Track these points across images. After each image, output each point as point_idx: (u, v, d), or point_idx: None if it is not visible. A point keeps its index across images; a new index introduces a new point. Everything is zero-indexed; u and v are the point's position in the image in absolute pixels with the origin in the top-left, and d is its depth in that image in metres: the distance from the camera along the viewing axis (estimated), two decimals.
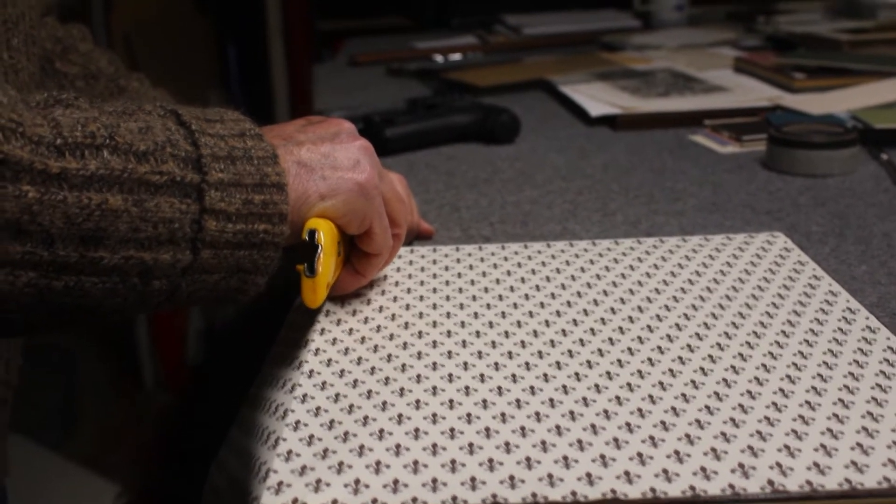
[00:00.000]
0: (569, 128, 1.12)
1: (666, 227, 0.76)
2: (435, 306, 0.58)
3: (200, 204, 0.45)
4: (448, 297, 0.59)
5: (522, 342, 0.52)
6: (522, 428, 0.44)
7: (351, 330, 0.55)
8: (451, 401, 0.46)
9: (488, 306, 0.57)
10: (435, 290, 0.60)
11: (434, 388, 0.48)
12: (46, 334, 0.46)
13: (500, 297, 0.59)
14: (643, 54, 1.50)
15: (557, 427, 0.44)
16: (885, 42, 1.40)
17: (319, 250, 0.50)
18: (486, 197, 0.86)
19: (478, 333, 0.54)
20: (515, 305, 0.57)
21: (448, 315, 0.56)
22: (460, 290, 0.60)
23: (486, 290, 0.60)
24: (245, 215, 0.46)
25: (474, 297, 0.59)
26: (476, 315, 0.56)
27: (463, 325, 0.55)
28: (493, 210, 0.82)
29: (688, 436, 0.43)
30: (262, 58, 2.49)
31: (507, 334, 0.53)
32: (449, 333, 0.54)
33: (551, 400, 0.46)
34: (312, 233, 0.50)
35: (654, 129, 1.09)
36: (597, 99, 1.18)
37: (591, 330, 0.54)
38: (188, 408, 2.29)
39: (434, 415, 0.45)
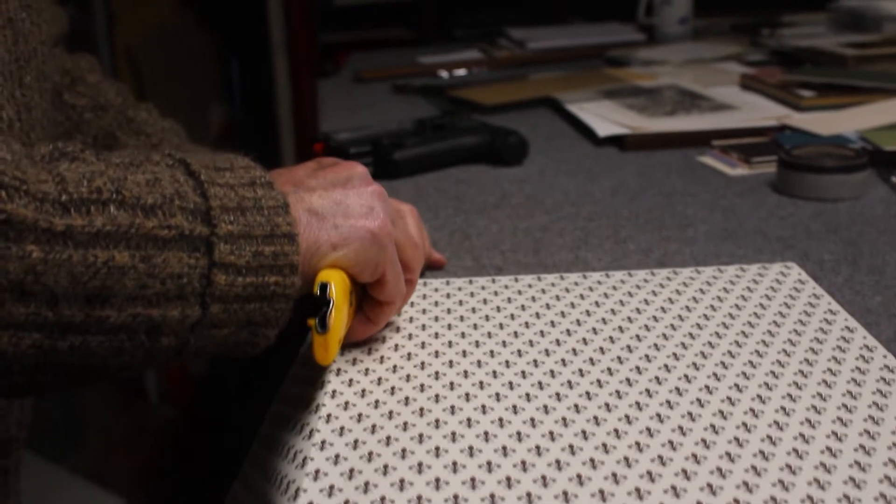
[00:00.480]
0: (576, 148, 1.12)
1: (678, 256, 0.76)
2: (451, 344, 0.58)
3: (210, 258, 0.44)
4: (463, 335, 0.59)
5: (540, 383, 0.52)
6: (543, 477, 0.43)
7: (367, 370, 0.55)
8: (470, 448, 0.46)
9: (504, 344, 0.57)
10: (450, 327, 0.60)
11: (453, 433, 0.47)
12: (52, 394, 0.45)
13: (516, 334, 0.59)
14: (649, 70, 1.50)
15: (579, 476, 0.43)
16: (890, 57, 1.40)
17: (331, 305, 0.49)
18: (496, 223, 0.86)
19: (494, 374, 0.53)
20: (531, 343, 0.57)
21: (464, 354, 0.56)
22: (475, 327, 0.60)
23: (501, 326, 0.60)
24: (255, 268, 0.46)
25: (489, 335, 0.59)
26: (492, 353, 0.56)
27: (479, 364, 0.55)
28: (504, 237, 0.82)
29: (709, 485, 0.42)
30: (265, 71, 2.50)
31: (524, 374, 0.53)
32: (466, 374, 0.54)
33: (571, 447, 0.46)
34: (324, 286, 0.49)
35: (662, 149, 1.09)
36: (604, 118, 1.18)
37: (609, 370, 0.54)
38: (192, 421, 2.29)
39: (454, 463, 0.45)
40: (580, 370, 0.54)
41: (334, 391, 0.52)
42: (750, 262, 0.74)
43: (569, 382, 0.52)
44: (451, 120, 1.12)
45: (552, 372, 0.53)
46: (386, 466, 0.45)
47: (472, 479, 0.43)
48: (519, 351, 0.56)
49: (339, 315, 0.50)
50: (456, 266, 0.76)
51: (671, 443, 0.46)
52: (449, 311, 0.63)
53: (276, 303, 0.47)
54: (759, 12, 1.98)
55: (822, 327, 0.58)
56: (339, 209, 0.51)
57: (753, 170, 0.98)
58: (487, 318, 0.61)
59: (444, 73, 1.61)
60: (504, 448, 0.46)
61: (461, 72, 1.63)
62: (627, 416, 0.49)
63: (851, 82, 1.23)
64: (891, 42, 1.53)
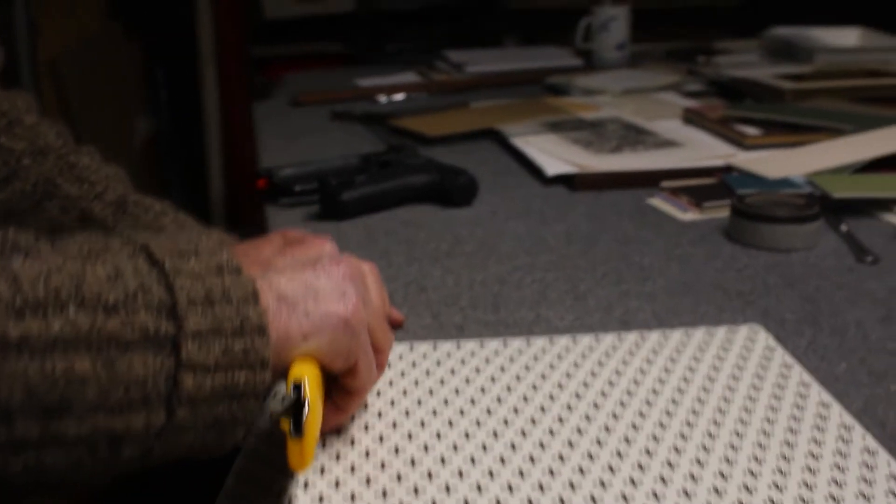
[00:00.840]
0: (525, 186, 1.11)
1: (640, 314, 0.75)
2: (423, 424, 0.55)
3: (176, 358, 0.41)
4: (435, 412, 0.57)
5: (521, 471, 0.50)
6: None
7: (338, 455, 0.52)
8: None
9: (478, 423, 0.55)
10: (420, 403, 0.58)
11: None
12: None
13: (489, 411, 0.57)
14: (590, 100, 1.49)
15: None
16: (826, 92, 1.42)
17: (306, 408, 0.46)
18: (451, 273, 0.84)
19: (472, 460, 0.52)
20: (506, 422, 0.55)
21: (438, 436, 0.54)
22: (446, 402, 0.58)
23: (472, 401, 0.58)
24: (225, 365, 0.43)
25: (462, 412, 0.57)
26: (467, 435, 0.54)
27: (455, 448, 0.53)
28: (461, 291, 0.80)
29: None
30: (193, 84, 2.44)
31: (502, 460, 0.51)
32: (443, 461, 0.52)
33: None
34: (298, 387, 0.46)
35: (611, 189, 1.08)
36: (550, 154, 1.17)
37: (589, 454, 0.52)
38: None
39: None
40: (560, 455, 0.52)
41: (307, 482, 0.50)
42: (712, 322, 0.73)
43: (550, 471, 0.51)
44: (397, 156, 1.10)
45: (531, 457, 0.52)
46: None
47: None
48: (494, 432, 0.54)
49: (315, 417, 0.47)
50: (415, 324, 0.73)
51: None
52: (417, 382, 0.61)
53: (246, 401, 0.44)
54: (694, 39, 2.01)
55: (798, 403, 0.58)
56: (310, 293, 0.49)
57: (705, 214, 0.98)
58: (457, 391, 0.59)
59: (382, 98, 1.59)
60: None
61: (400, 96, 1.60)
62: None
63: (792, 120, 1.24)
64: (824, 75, 1.55)
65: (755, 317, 0.74)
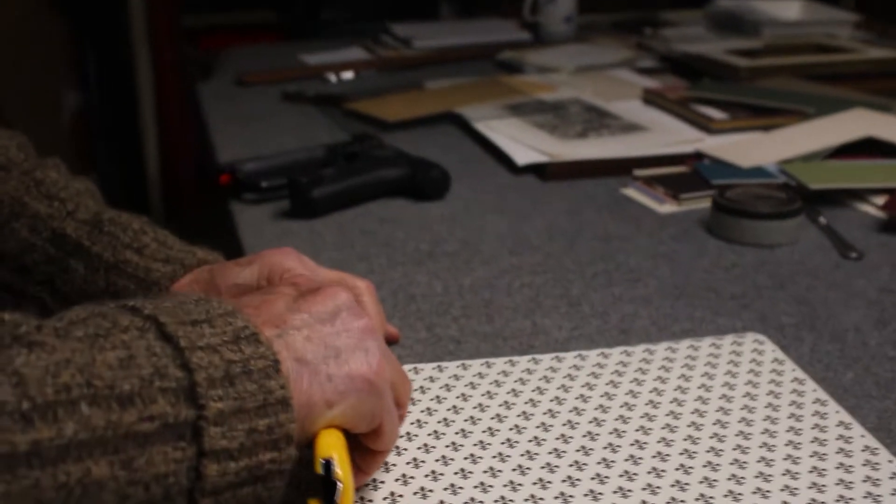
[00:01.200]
0: (494, 176, 1.08)
1: (637, 321, 0.73)
2: (446, 461, 0.53)
3: (198, 446, 0.39)
4: (455, 446, 0.55)
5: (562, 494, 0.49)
6: None
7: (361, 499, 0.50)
8: None
9: (501, 457, 0.53)
10: (438, 436, 0.56)
11: None
12: None
13: (510, 443, 0.55)
14: (545, 78, 1.47)
15: None
16: (780, 69, 1.42)
17: (339, 487, 0.43)
18: (437, 279, 0.81)
19: (503, 499, 0.50)
20: (530, 455, 0.54)
21: (454, 491, 0.51)
22: (464, 434, 0.56)
23: (490, 432, 0.56)
24: (249, 448, 0.40)
25: (483, 444, 0.55)
26: (493, 471, 0.52)
27: (484, 489, 0.51)
28: (451, 298, 0.78)
29: None
30: (123, 56, 2.35)
31: (535, 496, 0.50)
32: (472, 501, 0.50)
33: None
34: (328, 464, 0.43)
35: (582, 178, 1.07)
36: (517, 140, 1.15)
37: (621, 490, 0.51)
38: None
39: None
40: (591, 491, 0.50)
41: None
42: (710, 327, 0.72)
43: (592, 494, 0.49)
44: (363, 147, 1.07)
45: (569, 478, 0.50)
46: None
47: None
48: (521, 467, 0.53)
49: (349, 495, 0.44)
50: (411, 339, 0.71)
51: None
52: (430, 412, 0.58)
53: (271, 481, 0.42)
54: (639, 10, 1.99)
55: (819, 424, 0.57)
56: (331, 353, 0.46)
57: (682, 206, 0.97)
58: (473, 420, 0.57)
59: (332, 77, 1.54)
60: None
61: (349, 74, 1.56)
62: None
63: (754, 101, 1.24)
64: (774, 50, 1.56)
65: (753, 322, 0.73)
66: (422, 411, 0.58)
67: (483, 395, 0.60)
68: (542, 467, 0.53)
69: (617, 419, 0.57)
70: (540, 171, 1.08)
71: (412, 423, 0.57)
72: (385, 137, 1.16)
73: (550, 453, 0.54)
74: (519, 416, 0.58)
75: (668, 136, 1.17)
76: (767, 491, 0.50)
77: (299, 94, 1.42)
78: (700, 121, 1.20)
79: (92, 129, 2.41)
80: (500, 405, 0.59)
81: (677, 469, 0.52)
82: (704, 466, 0.53)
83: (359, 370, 0.46)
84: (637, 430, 0.56)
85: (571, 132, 1.18)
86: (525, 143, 1.14)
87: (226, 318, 0.42)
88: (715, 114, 1.22)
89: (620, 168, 1.08)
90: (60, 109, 2.30)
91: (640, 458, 0.53)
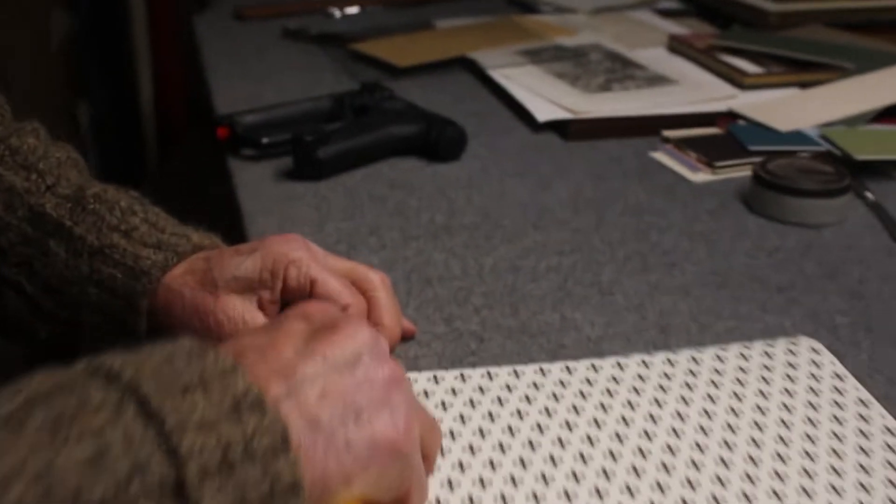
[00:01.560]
0: (512, 133, 1.01)
1: (676, 317, 0.67)
2: (482, 482, 0.47)
3: None
4: (492, 463, 0.48)
5: None
6: None
7: None
8: None
9: (544, 478, 0.47)
10: (462, 468, 0.49)
11: None
12: None
13: (553, 460, 0.49)
14: (563, 20, 1.38)
15: None
16: (813, 14, 1.33)
17: None
18: (455, 258, 0.74)
19: None
20: (576, 476, 0.47)
21: (504, 500, 0.46)
22: (502, 448, 0.49)
23: (531, 445, 0.50)
24: None
25: (522, 462, 0.49)
26: (535, 497, 0.46)
27: None
28: (471, 283, 0.71)
29: None
30: None
31: None
32: None
33: None
34: None
35: (607, 138, 0.99)
36: (536, 93, 1.07)
37: (684, 501, 0.45)
38: None
39: None
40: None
41: None
42: (756, 326, 0.66)
43: None
44: (374, 98, 0.99)
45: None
46: None
47: None
48: (566, 493, 0.46)
49: None
50: (428, 334, 0.64)
51: None
52: (453, 436, 0.52)
53: None
54: None
55: (891, 461, 0.51)
56: (350, 413, 0.38)
57: (717, 175, 0.90)
58: (503, 448, 0.51)
59: (335, 12, 1.45)
60: None
61: (354, 9, 1.47)
62: None
63: (787, 54, 1.16)
64: None
65: (803, 320, 0.66)
66: (443, 435, 0.52)
67: (512, 414, 0.53)
68: (590, 494, 0.47)
69: (670, 433, 0.51)
70: (561, 128, 1.00)
71: None
72: (394, 85, 1.08)
73: (598, 476, 0.48)
74: (554, 444, 0.51)
75: (698, 91, 1.09)
76: None
77: (301, 32, 1.33)
78: (731, 75, 1.12)
79: (83, 54, 2.30)
80: (533, 429, 0.52)
81: (739, 501, 0.46)
82: (770, 498, 0.47)
83: (384, 434, 0.39)
84: (693, 448, 0.50)
85: (594, 84, 1.10)
86: (545, 96, 1.06)
87: (224, 379, 0.35)
88: (747, 66, 1.13)
89: (647, 127, 1.00)
90: (49, 33, 2.19)
91: (697, 483, 0.47)
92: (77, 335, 0.61)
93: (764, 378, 0.57)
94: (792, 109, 1.02)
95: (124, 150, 2.31)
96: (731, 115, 1.02)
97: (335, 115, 0.97)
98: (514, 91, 1.08)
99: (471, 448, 0.51)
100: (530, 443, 0.51)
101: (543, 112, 1.02)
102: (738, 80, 1.11)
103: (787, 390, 0.56)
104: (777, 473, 0.49)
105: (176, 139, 2.23)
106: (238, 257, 0.57)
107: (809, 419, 0.54)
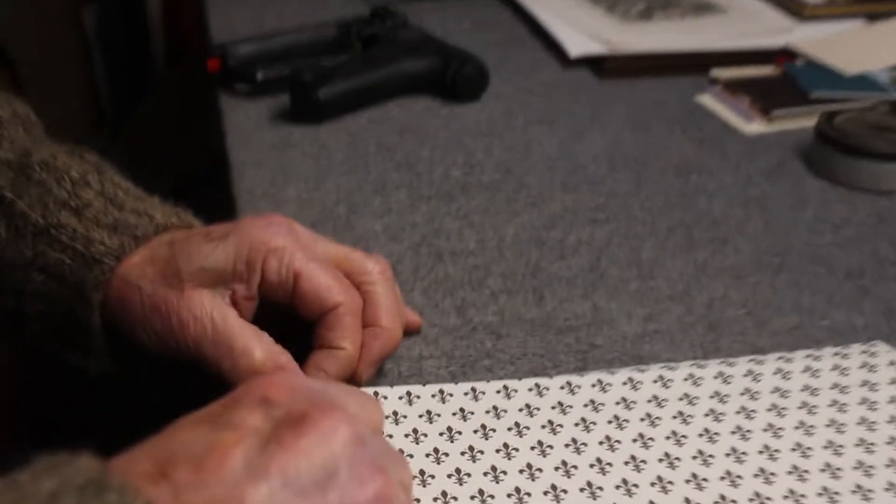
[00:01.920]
0: (540, 69, 0.90)
1: (728, 310, 0.57)
2: None
3: None
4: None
5: None
6: None
7: None
8: None
9: None
10: None
11: None
12: None
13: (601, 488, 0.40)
14: None
15: None
16: None
17: None
18: (471, 227, 0.64)
19: None
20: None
21: None
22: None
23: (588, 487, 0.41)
24: None
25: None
26: None
27: None
28: (488, 259, 0.61)
29: None
30: None
31: None
32: None
33: None
34: None
35: (648, 76, 0.88)
36: (569, 22, 0.95)
37: None
38: None
39: None
40: None
41: None
42: (821, 325, 0.56)
43: None
44: (384, 27, 0.87)
45: None
46: None
47: None
48: None
49: None
50: (437, 327, 0.55)
51: None
52: (460, 480, 0.43)
53: None
54: None
55: None
56: None
57: (773, 126, 0.79)
58: (520, 497, 0.42)
59: None
60: None
61: None
62: None
63: None
64: None
65: (876, 317, 0.56)
66: (449, 475, 0.43)
67: (534, 448, 0.44)
68: None
69: (728, 454, 0.43)
70: (596, 65, 0.89)
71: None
72: (408, 8, 0.97)
73: None
74: (593, 465, 0.42)
75: (750, 21, 0.97)
76: None
77: None
78: (788, 3, 1.00)
79: None
80: (558, 468, 0.43)
81: None
82: None
83: None
84: (756, 476, 0.41)
85: (633, 12, 0.98)
86: (578, 26, 0.94)
87: None
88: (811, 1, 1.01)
89: (693, 65, 0.89)
90: None
91: None
92: (24, 326, 0.51)
93: (836, 401, 0.48)
94: (858, 47, 0.89)
95: (132, 59, 2.20)
96: (787, 54, 0.90)
97: (341, 45, 0.86)
98: (543, 18, 0.96)
99: (482, 497, 0.41)
100: (553, 488, 0.42)
101: (576, 45, 0.90)
102: (796, 10, 0.98)
103: (865, 421, 0.47)
104: None
105: (184, 47, 2.12)
106: (208, 244, 0.47)
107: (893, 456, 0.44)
